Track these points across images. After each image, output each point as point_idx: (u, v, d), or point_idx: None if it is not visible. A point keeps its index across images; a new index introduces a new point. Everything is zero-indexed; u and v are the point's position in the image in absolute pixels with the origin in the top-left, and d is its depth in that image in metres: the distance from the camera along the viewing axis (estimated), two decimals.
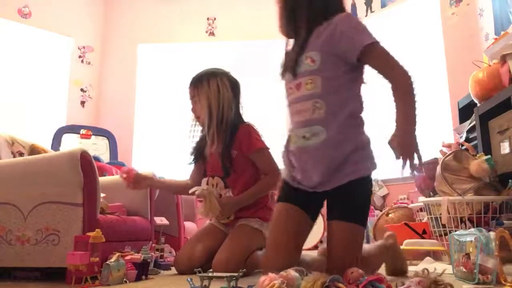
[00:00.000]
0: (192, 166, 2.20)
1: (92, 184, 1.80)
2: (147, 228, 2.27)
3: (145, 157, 4.93)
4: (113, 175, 3.19)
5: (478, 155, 2.25)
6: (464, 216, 2.14)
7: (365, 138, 1.47)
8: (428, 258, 2.16)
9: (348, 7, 1.56)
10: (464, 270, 1.42)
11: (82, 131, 4.71)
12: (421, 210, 2.78)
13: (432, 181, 2.39)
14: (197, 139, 2.18)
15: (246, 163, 2.02)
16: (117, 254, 1.58)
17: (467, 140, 2.74)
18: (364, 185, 1.45)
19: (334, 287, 1.00)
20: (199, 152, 2.14)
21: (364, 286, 1.03)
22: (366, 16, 4.55)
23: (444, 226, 2.20)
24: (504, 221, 2.01)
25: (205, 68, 2.12)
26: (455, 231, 1.77)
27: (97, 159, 3.38)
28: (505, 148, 2.19)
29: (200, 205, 2.00)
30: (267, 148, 2.06)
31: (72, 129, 4.71)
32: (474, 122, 2.59)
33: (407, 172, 1.30)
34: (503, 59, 2.27)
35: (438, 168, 2.27)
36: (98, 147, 4.72)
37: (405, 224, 2.64)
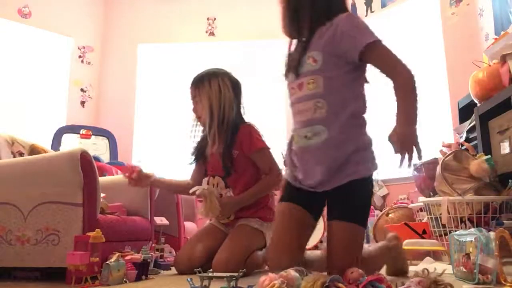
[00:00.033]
0: (193, 166, 2.20)
1: (92, 184, 1.80)
2: (147, 228, 2.27)
3: (145, 157, 4.93)
4: (113, 175, 3.19)
5: (478, 155, 2.25)
6: (464, 216, 2.14)
7: (367, 139, 1.47)
8: (428, 258, 2.16)
9: (348, 7, 1.56)
10: (464, 270, 1.42)
11: (82, 131, 4.71)
12: (421, 210, 2.78)
13: (432, 181, 2.39)
14: (198, 139, 2.18)
15: (247, 163, 2.02)
16: (117, 254, 1.58)
17: (467, 140, 2.74)
18: (364, 185, 1.45)
19: (334, 287, 1.00)
20: (200, 152, 2.14)
21: (364, 286, 1.03)
22: (366, 16, 4.55)
23: (444, 226, 2.20)
24: (504, 221, 2.01)
25: (206, 68, 2.12)
26: (455, 231, 1.77)
27: (97, 159, 3.38)
28: (505, 148, 2.19)
29: (200, 205, 2.00)
30: (268, 148, 2.06)
31: (72, 129, 4.71)
32: (474, 122, 2.59)
33: (405, 166, 1.29)
34: (503, 59, 2.27)
35: (438, 168, 2.27)
36: (98, 147, 4.72)
37: (405, 224, 2.64)
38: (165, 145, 4.93)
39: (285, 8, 1.53)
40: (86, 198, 1.77)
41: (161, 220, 2.50)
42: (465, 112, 3.00)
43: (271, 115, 4.79)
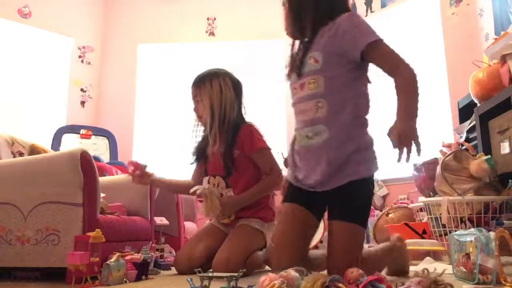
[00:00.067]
0: (193, 166, 2.20)
1: (92, 184, 1.80)
2: (147, 228, 2.26)
3: (145, 157, 4.93)
4: (113, 175, 3.19)
5: (478, 155, 2.25)
6: (464, 216, 2.14)
7: (368, 139, 1.47)
8: (428, 258, 2.16)
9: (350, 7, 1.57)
10: (464, 270, 1.42)
11: (82, 131, 4.70)
12: (421, 210, 2.78)
13: (432, 181, 2.39)
14: (199, 139, 2.18)
15: (248, 163, 2.02)
16: (117, 254, 1.57)
17: (467, 140, 2.74)
18: (365, 186, 1.45)
19: (334, 287, 1.00)
20: (200, 152, 2.14)
21: (364, 286, 1.03)
22: (366, 16, 4.55)
23: (444, 226, 2.20)
24: (504, 221, 2.01)
25: (205, 68, 2.13)
26: (455, 231, 1.77)
27: (97, 159, 3.38)
28: (505, 148, 2.19)
29: (200, 205, 2.00)
30: (269, 148, 2.06)
31: (72, 129, 4.71)
32: (474, 122, 2.59)
33: (403, 161, 1.28)
34: (503, 59, 2.27)
35: (438, 168, 2.27)
36: (98, 147, 4.72)
37: (405, 224, 2.64)
38: (165, 145, 4.93)
39: (288, 8, 1.54)
40: (86, 198, 1.77)
41: (161, 220, 2.49)
42: (465, 112, 3.00)
43: (271, 115, 4.80)
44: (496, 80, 2.32)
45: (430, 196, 2.48)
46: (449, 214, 2.16)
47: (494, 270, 1.30)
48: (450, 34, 3.81)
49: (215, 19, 5.21)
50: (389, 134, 1.31)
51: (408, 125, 1.29)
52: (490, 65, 2.47)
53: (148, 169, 2.06)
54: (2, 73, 4.41)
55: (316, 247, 3.58)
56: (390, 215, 3.12)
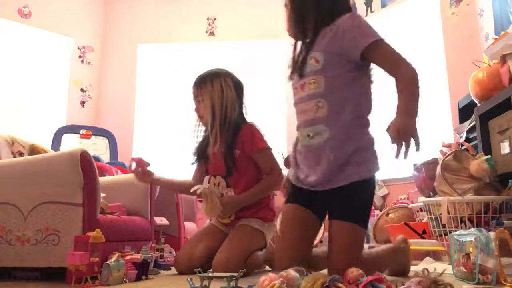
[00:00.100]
0: (194, 166, 2.21)
1: (92, 184, 1.80)
2: (147, 228, 2.26)
3: (145, 157, 4.92)
4: (113, 175, 3.19)
5: (478, 155, 2.25)
6: (464, 216, 2.14)
7: (369, 139, 1.47)
8: (428, 258, 2.16)
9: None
10: (464, 270, 1.42)
11: (82, 131, 4.70)
12: (421, 210, 2.78)
13: (432, 181, 2.39)
14: (200, 139, 2.18)
15: (249, 163, 2.03)
16: (117, 254, 1.57)
17: (467, 140, 2.74)
18: (366, 186, 1.45)
19: (334, 287, 1.00)
20: (201, 152, 2.14)
21: (364, 286, 1.03)
22: (366, 16, 4.55)
23: (444, 226, 2.20)
24: (504, 221, 2.01)
25: (205, 68, 2.13)
26: (455, 231, 1.77)
27: (97, 159, 3.38)
28: (505, 148, 2.19)
29: (201, 205, 2.00)
30: (270, 148, 2.06)
31: (72, 129, 4.71)
32: (474, 122, 2.59)
33: (401, 157, 1.27)
34: (503, 59, 2.27)
35: (438, 168, 2.27)
36: (98, 147, 4.72)
37: (405, 224, 2.64)
38: (165, 145, 4.93)
39: (290, 10, 1.55)
40: (86, 198, 1.77)
41: (161, 220, 2.49)
42: (465, 112, 3.00)
43: (271, 115, 4.80)
44: (496, 80, 2.32)
45: (430, 196, 2.48)
46: (449, 214, 2.16)
47: (494, 270, 1.30)
48: (450, 34, 3.81)
49: (215, 19, 5.21)
50: (388, 130, 1.30)
51: (407, 122, 1.28)
52: (490, 65, 2.47)
53: (148, 168, 2.07)
54: (2, 73, 4.41)
55: (316, 247, 3.58)
56: (390, 215, 3.12)
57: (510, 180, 2.10)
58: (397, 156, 1.27)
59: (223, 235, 2.02)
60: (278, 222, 1.55)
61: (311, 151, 1.47)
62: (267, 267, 2.17)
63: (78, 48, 5.05)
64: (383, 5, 4.47)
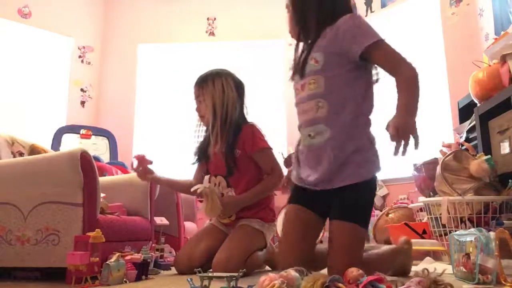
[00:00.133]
0: (195, 166, 2.21)
1: (92, 184, 1.80)
2: (147, 228, 2.26)
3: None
4: (113, 175, 3.19)
5: (478, 155, 2.25)
6: (464, 216, 2.14)
7: (370, 139, 1.47)
8: (428, 258, 2.16)
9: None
10: (464, 270, 1.42)
11: (82, 131, 4.70)
12: (421, 210, 2.78)
13: (432, 181, 2.39)
14: (201, 139, 2.18)
15: (249, 163, 2.03)
16: (117, 254, 1.57)
17: (467, 140, 2.74)
18: (366, 187, 1.45)
19: (334, 287, 1.00)
20: (202, 152, 2.14)
21: (364, 286, 1.03)
22: (366, 16, 4.55)
23: (444, 226, 2.20)
24: (504, 221, 2.01)
25: (206, 68, 2.13)
26: (455, 231, 1.77)
27: (97, 159, 3.38)
28: (505, 148, 2.19)
29: (201, 204, 2.00)
30: (270, 148, 2.07)
31: (72, 129, 4.71)
32: (474, 122, 2.59)
33: (400, 154, 1.26)
34: (503, 59, 2.27)
35: (438, 168, 2.27)
36: (98, 147, 4.72)
37: (405, 224, 2.64)
38: (165, 145, 4.93)
39: (292, 11, 1.55)
40: (86, 198, 1.77)
41: (161, 220, 2.49)
42: (465, 112, 3.00)
43: (271, 115, 4.80)
44: (496, 80, 2.32)
45: (430, 196, 2.48)
46: (449, 214, 2.16)
47: (494, 270, 1.30)
48: (450, 34, 3.81)
49: (215, 19, 5.21)
50: (387, 128, 1.30)
51: (406, 120, 1.28)
52: (490, 65, 2.47)
53: (149, 166, 2.07)
54: (2, 73, 4.41)
55: None
56: (390, 215, 3.12)
57: (510, 180, 2.10)
58: (395, 154, 1.27)
59: (223, 235, 2.02)
60: (279, 223, 1.55)
61: (312, 150, 1.48)
62: (267, 267, 2.17)
63: (78, 48, 5.05)
64: (383, 5, 4.47)
